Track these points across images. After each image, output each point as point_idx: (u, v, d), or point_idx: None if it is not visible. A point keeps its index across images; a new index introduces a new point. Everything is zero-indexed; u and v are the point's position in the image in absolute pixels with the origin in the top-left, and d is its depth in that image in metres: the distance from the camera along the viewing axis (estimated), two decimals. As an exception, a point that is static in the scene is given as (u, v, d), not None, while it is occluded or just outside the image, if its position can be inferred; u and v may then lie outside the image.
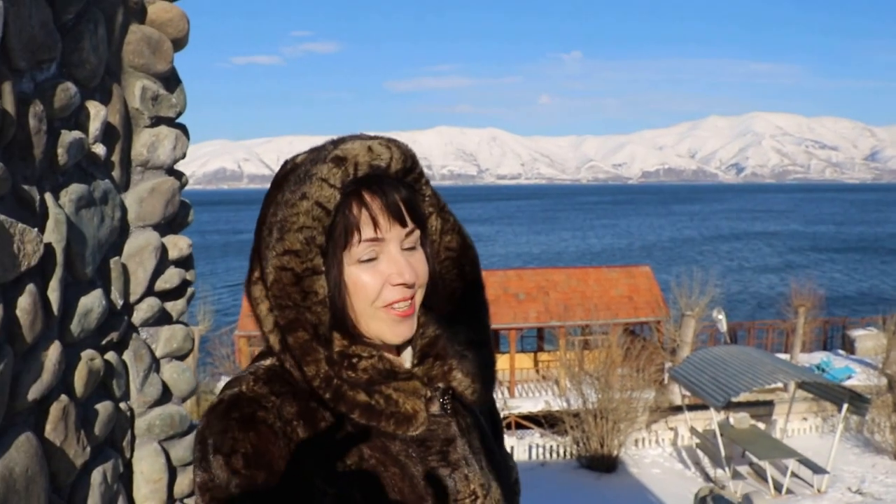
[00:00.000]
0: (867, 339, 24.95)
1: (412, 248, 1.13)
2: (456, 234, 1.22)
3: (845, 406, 13.04)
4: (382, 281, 1.10)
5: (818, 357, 22.39)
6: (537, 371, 21.85)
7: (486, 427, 1.27)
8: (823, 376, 17.06)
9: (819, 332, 24.76)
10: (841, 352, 24.14)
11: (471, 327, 1.22)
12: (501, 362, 21.74)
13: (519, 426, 17.53)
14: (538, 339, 23.11)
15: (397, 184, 1.13)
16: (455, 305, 1.22)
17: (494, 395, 1.41)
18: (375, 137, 1.13)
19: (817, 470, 12.49)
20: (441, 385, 1.17)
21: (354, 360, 1.11)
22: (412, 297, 1.12)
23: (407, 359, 1.19)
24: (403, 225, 1.11)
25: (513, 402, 18.31)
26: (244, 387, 1.07)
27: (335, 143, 1.12)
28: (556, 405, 18.61)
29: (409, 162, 1.14)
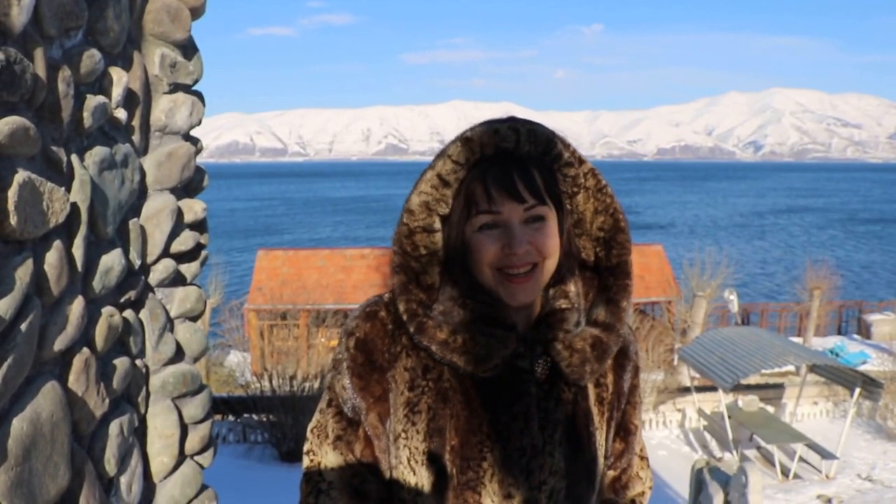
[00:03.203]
0: (884, 323, 24.97)
1: (537, 223, 1.26)
2: (609, 216, 1.33)
3: (857, 390, 13.18)
4: (497, 248, 1.26)
5: (832, 341, 22.47)
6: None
7: (589, 409, 1.36)
8: (837, 361, 17.18)
9: (834, 316, 24.79)
10: (856, 336, 24.18)
11: (607, 310, 1.35)
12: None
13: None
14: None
15: (524, 164, 1.27)
16: (601, 286, 1.36)
17: (635, 393, 1.48)
18: (509, 121, 1.29)
19: (826, 455, 12.61)
20: (539, 349, 1.31)
21: (468, 301, 1.30)
22: (532, 267, 1.26)
23: (521, 320, 1.33)
24: (520, 202, 1.25)
25: None
26: (387, 294, 1.39)
27: (478, 124, 1.31)
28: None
29: (544, 145, 1.28)
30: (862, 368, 19.75)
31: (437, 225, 1.29)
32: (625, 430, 1.48)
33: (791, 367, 16.38)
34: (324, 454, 1.40)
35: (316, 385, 15.24)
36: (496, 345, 1.27)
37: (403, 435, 1.30)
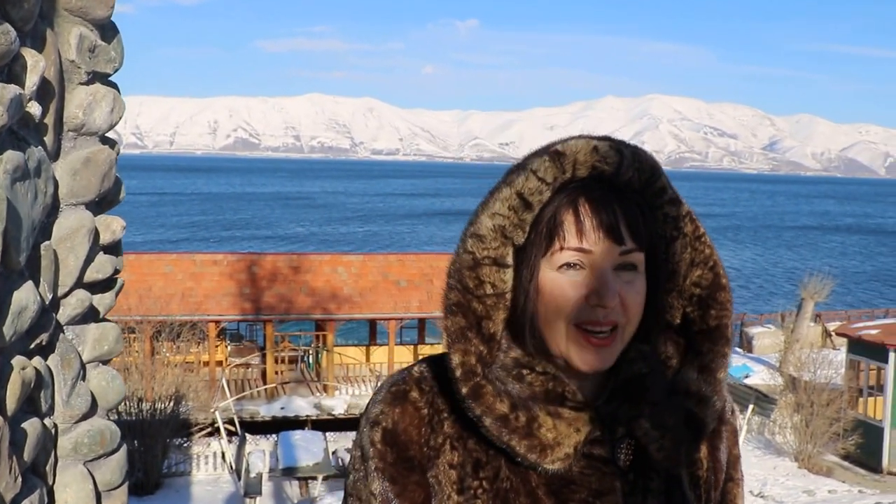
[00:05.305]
0: (765, 336, 26.90)
1: (629, 273, 1.11)
2: (709, 269, 1.17)
3: (751, 407, 14.02)
4: (580, 295, 1.08)
5: (714, 355, 23.78)
6: (418, 366, 22.19)
7: (685, 497, 1.20)
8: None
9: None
10: (738, 349, 25.85)
11: (701, 378, 1.17)
12: (378, 355, 21.93)
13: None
14: (420, 331, 23.48)
15: (625, 194, 1.11)
16: (691, 351, 1.19)
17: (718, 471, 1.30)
18: (608, 139, 1.12)
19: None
20: (621, 430, 1.14)
21: (525, 372, 1.12)
22: (614, 326, 1.09)
23: (586, 389, 1.15)
24: (618, 242, 1.08)
25: None
26: (416, 367, 1.20)
27: (566, 138, 1.13)
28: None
29: (648, 173, 1.12)
30: (745, 382, 21.17)
31: (510, 259, 1.10)
32: None
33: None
34: None
35: (168, 408, 14.45)
36: (566, 429, 1.09)
37: None
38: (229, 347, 22.20)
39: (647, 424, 1.13)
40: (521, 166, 1.12)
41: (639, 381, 1.15)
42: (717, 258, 1.18)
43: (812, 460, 16.18)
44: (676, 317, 1.19)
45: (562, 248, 1.08)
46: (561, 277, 1.09)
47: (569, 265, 1.09)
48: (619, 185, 1.11)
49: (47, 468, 2.67)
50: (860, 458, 16.62)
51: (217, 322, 20.39)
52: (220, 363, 20.56)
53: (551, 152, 1.10)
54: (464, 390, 1.08)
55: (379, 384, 1.21)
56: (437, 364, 1.17)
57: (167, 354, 17.23)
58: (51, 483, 2.72)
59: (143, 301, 17.75)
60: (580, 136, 1.13)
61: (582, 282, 1.08)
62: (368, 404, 1.19)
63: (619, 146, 1.11)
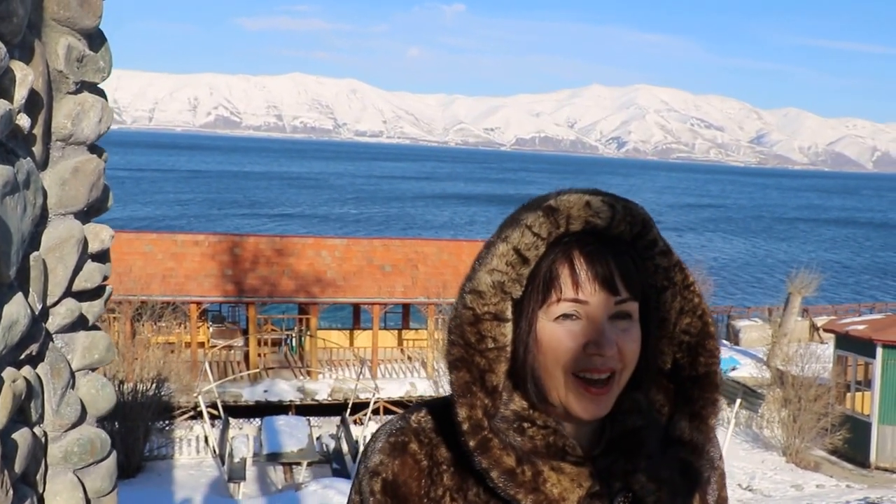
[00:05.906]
0: (752, 329, 27.17)
1: (624, 321, 1.15)
2: (697, 317, 1.22)
3: (738, 402, 14.18)
4: (578, 345, 1.13)
5: (700, 348, 24.05)
6: (402, 351, 22.27)
7: None
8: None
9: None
10: (725, 342, 26.08)
11: (692, 426, 1.22)
12: (362, 339, 21.95)
13: (388, 413, 17.92)
14: (404, 316, 23.51)
15: (617, 247, 1.16)
16: (681, 398, 1.23)
17: None
18: (601, 193, 1.18)
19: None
20: (618, 484, 1.17)
21: (526, 425, 1.16)
22: (611, 374, 1.14)
23: (584, 438, 1.20)
24: (613, 293, 1.14)
25: (374, 384, 18.51)
26: (414, 415, 1.24)
27: (558, 192, 1.19)
28: (422, 388, 19.21)
29: (640, 227, 1.18)
30: (732, 375, 21.41)
31: (510, 313, 1.16)
32: None
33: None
34: None
35: (150, 390, 14.42)
36: (569, 484, 1.14)
37: None
38: (211, 329, 22.09)
39: (643, 478, 1.17)
40: (516, 220, 1.18)
41: (635, 435, 1.20)
42: (705, 307, 1.24)
43: (800, 455, 16.40)
44: (667, 362, 1.24)
45: (559, 300, 1.14)
46: (559, 328, 1.14)
47: (566, 316, 1.14)
48: (612, 238, 1.17)
49: (37, 477, 2.72)
50: (848, 453, 16.87)
51: (199, 303, 20.31)
52: (201, 345, 20.48)
53: (545, 207, 1.16)
54: (471, 443, 1.13)
55: (380, 429, 1.25)
56: (435, 413, 1.23)
57: (148, 335, 17.18)
58: (41, 491, 2.78)
59: (123, 281, 17.67)
60: (572, 191, 1.19)
61: (579, 332, 1.14)
62: (367, 450, 1.23)
63: (611, 201, 1.17)
